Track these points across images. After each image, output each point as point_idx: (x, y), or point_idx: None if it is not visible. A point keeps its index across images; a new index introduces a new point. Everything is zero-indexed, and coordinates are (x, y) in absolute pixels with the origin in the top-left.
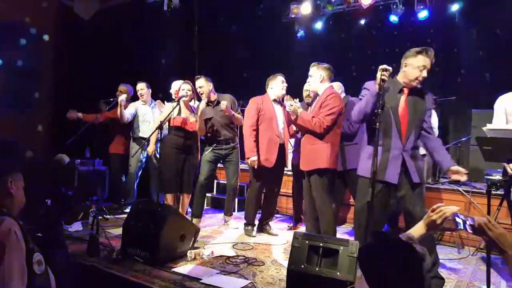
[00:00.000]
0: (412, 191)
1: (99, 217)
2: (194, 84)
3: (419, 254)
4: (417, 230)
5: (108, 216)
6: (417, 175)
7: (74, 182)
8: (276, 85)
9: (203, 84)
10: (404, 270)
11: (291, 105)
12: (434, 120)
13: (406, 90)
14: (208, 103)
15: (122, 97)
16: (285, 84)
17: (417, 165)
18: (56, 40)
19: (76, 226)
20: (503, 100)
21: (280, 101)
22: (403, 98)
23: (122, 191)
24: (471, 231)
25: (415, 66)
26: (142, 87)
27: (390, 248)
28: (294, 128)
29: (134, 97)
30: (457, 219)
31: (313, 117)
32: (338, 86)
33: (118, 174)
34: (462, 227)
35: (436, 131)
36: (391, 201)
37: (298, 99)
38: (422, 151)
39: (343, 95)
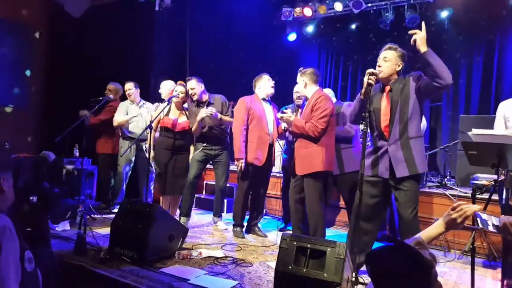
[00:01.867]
0: (399, 191)
1: (87, 217)
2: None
3: (427, 260)
4: (435, 228)
5: (95, 216)
6: (405, 168)
7: (59, 180)
8: (264, 84)
9: (195, 86)
10: (412, 277)
11: (282, 117)
12: (423, 124)
13: (387, 88)
14: (200, 104)
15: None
16: (272, 82)
17: (407, 155)
18: (47, 37)
19: (63, 226)
20: (503, 106)
21: (269, 100)
22: (384, 95)
23: (110, 190)
24: (494, 231)
25: (378, 60)
26: (130, 87)
27: (398, 254)
28: (283, 127)
29: (123, 97)
30: (478, 219)
31: (306, 122)
32: (328, 93)
33: (107, 173)
34: (484, 227)
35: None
36: (390, 198)
37: (289, 107)
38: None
39: (334, 100)
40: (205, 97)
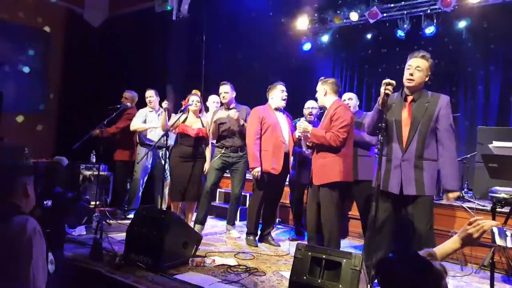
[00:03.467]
0: (413, 205)
1: (103, 222)
2: (201, 94)
3: (437, 271)
4: (451, 244)
5: (111, 221)
6: (413, 187)
7: (73, 184)
8: (276, 95)
9: (228, 90)
10: (421, 287)
11: (300, 126)
12: None
13: (409, 98)
14: (226, 109)
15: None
16: (285, 94)
17: (418, 176)
18: (65, 44)
19: (80, 230)
20: None
21: (282, 110)
22: (406, 105)
23: (126, 197)
24: (511, 246)
25: (406, 67)
26: (151, 94)
27: (408, 264)
28: (297, 135)
29: (138, 104)
30: (495, 234)
31: (326, 132)
32: (349, 97)
33: (124, 180)
34: (502, 243)
35: None
36: (403, 212)
37: (301, 119)
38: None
39: (353, 102)
40: (233, 105)
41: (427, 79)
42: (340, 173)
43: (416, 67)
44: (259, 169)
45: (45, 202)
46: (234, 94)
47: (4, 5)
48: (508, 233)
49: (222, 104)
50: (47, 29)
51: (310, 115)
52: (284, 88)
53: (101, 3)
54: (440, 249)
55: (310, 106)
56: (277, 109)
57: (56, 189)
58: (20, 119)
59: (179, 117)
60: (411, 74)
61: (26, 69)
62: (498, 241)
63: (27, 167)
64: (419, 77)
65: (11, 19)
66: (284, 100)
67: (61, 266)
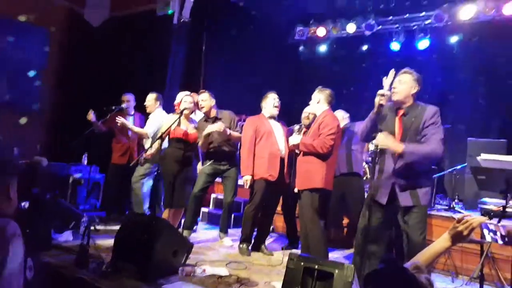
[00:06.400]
0: (408, 214)
1: (91, 228)
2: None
3: (422, 284)
4: (441, 242)
5: (99, 227)
6: (407, 198)
7: (52, 186)
8: (268, 104)
9: (206, 99)
10: None
11: (291, 142)
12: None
13: (400, 111)
14: (207, 119)
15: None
16: (277, 101)
17: (410, 187)
18: (65, 44)
19: (66, 236)
20: None
21: (277, 118)
22: (397, 119)
23: (126, 201)
24: (501, 242)
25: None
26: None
27: (393, 277)
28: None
29: (137, 107)
30: (485, 231)
31: (314, 139)
32: (341, 115)
33: (120, 184)
34: (491, 240)
35: None
36: (396, 221)
37: (296, 126)
38: None
39: (346, 121)
40: (213, 112)
41: (414, 90)
42: (322, 180)
43: (399, 80)
44: (249, 177)
45: (22, 204)
46: (213, 102)
47: (3, 2)
48: (496, 227)
49: (199, 109)
50: (46, 27)
51: (306, 118)
52: (276, 96)
53: (102, 3)
54: (431, 249)
55: (307, 111)
56: (271, 117)
57: (34, 190)
58: (20, 119)
59: (176, 120)
60: (394, 88)
61: (23, 68)
62: (487, 238)
63: (12, 166)
64: (402, 90)
65: (10, 16)
66: (276, 107)
67: (40, 272)
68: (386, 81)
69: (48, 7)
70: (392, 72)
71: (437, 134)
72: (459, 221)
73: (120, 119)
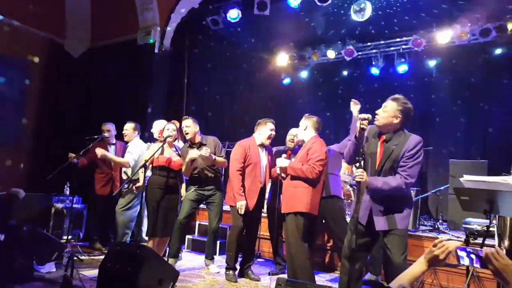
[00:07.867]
0: (386, 237)
1: (74, 258)
2: (180, 124)
3: None
4: (417, 266)
5: (83, 257)
6: (383, 222)
7: (30, 217)
8: (264, 132)
9: (190, 125)
10: None
11: (278, 164)
12: None
13: (382, 136)
14: (192, 145)
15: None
16: (273, 133)
17: (386, 212)
18: (45, 74)
19: (49, 267)
20: None
21: (266, 146)
22: (379, 143)
23: (112, 229)
24: (477, 265)
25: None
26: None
27: None
28: (277, 171)
29: (118, 136)
30: (460, 254)
31: (303, 164)
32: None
33: (104, 214)
34: (467, 263)
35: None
36: (378, 241)
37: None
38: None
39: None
40: (198, 138)
41: (396, 121)
42: (307, 205)
43: (384, 106)
44: (243, 202)
45: None
46: (197, 128)
47: None
48: (474, 250)
49: (186, 140)
50: (27, 58)
51: (291, 141)
52: (273, 128)
53: (83, 34)
54: (408, 272)
55: (293, 133)
56: (261, 145)
57: (10, 222)
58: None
59: (159, 148)
60: (377, 113)
61: (4, 96)
62: (463, 261)
63: None
64: (383, 117)
65: None
66: (270, 139)
67: None
68: (354, 108)
69: (28, 38)
70: (353, 102)
71: (413, 168)
72: (435, 245)
73: (99, 151)
